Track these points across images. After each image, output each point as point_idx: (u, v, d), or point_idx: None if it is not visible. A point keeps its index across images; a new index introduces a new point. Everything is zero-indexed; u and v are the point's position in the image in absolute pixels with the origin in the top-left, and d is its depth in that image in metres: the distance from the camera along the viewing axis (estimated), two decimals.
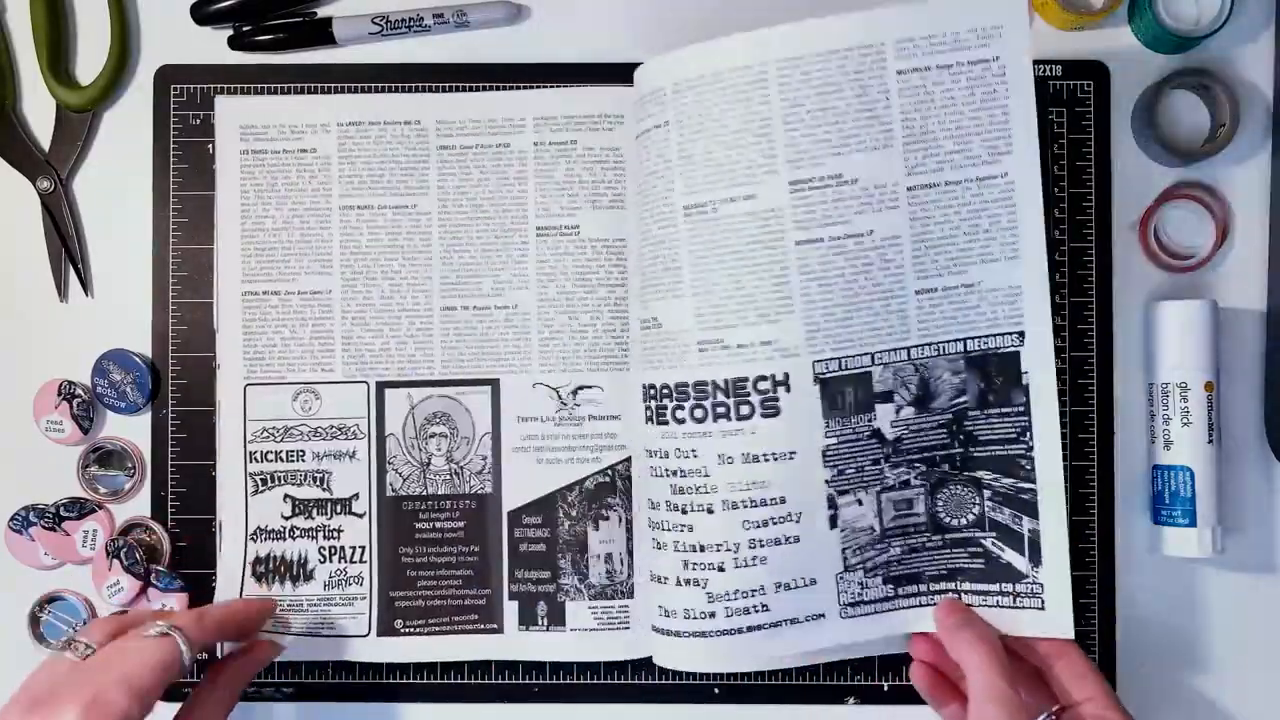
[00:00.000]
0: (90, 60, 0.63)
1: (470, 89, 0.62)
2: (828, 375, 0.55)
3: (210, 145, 0.62)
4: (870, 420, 0.55)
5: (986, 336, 0.55)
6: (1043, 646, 0.55)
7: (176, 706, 0.53)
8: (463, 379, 0.61)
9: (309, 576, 0.60)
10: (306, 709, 0.61)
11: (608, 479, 0.61)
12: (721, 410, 0.54)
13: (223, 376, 0.61)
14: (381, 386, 0.61)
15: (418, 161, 0.61)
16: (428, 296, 0.61)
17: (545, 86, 0.61)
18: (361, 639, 0.60)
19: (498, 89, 0.62)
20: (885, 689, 0.61)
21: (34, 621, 0.61)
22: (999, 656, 0.53)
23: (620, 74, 0.61)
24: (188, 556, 0.61)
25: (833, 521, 0.56)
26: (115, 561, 0.60)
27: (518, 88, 0.62)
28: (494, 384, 0.61)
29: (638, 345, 0.59)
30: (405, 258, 0.61)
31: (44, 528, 0.61)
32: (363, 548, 0.61)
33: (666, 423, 0.56)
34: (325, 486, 0.61)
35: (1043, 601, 0.55)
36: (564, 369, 0.61)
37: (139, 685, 0.47)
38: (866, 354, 0.55)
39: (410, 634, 0.60)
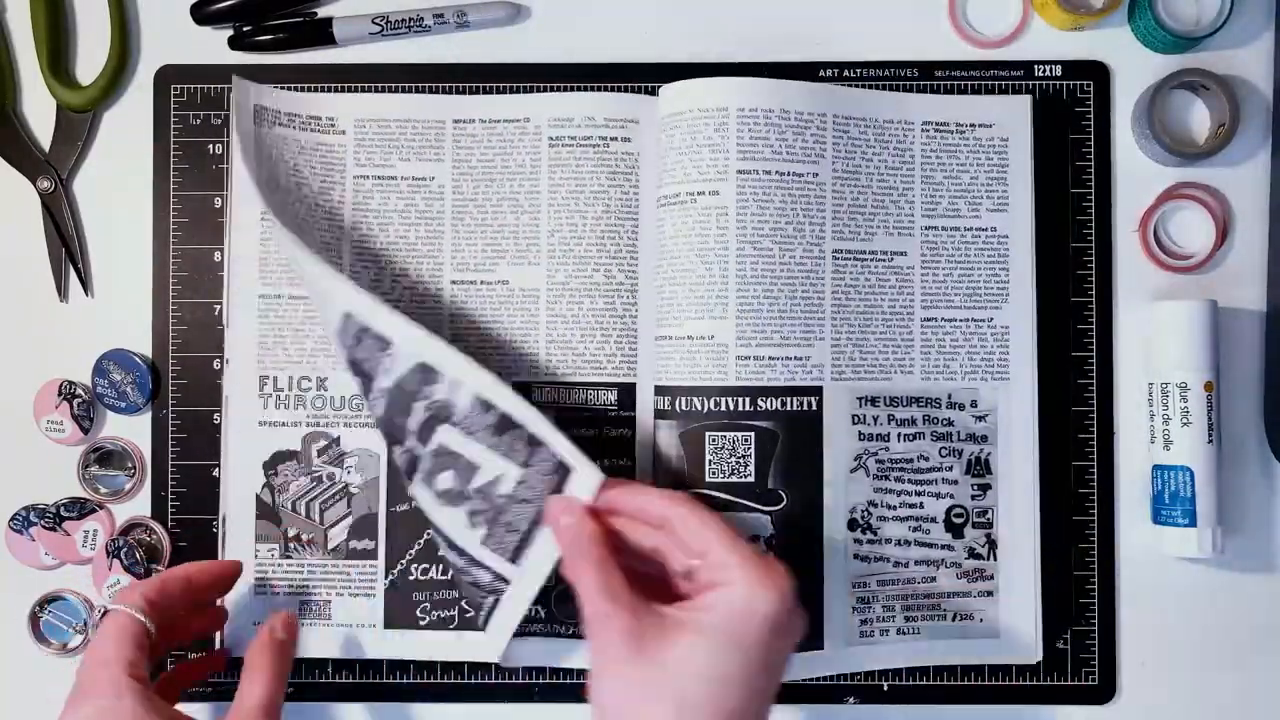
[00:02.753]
0: (90, 60, 0.63)
1: (478, 90, 0.62)
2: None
3: (210, 145, 0.62)
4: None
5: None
6: (653, 510, 0.50)
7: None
8: None
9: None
10: (306, 709, 0.61)
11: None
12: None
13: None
14: None
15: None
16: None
17: (556, 89, 0.61)
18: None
19: (506, 91, 0.62)
20: (885, 689, 0.61)
21: (34, 621, 0.61)
22: (601, 572, 0.49)
23: (623, 74, 0.61)
24: (188, 556, 0.61)
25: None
26: (115, 561, 0.60)
27: (525, 89, 0.62)
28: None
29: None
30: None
31: (44, 528, 0.61)
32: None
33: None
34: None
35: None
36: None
37: (102, 655, 0.51)
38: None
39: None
